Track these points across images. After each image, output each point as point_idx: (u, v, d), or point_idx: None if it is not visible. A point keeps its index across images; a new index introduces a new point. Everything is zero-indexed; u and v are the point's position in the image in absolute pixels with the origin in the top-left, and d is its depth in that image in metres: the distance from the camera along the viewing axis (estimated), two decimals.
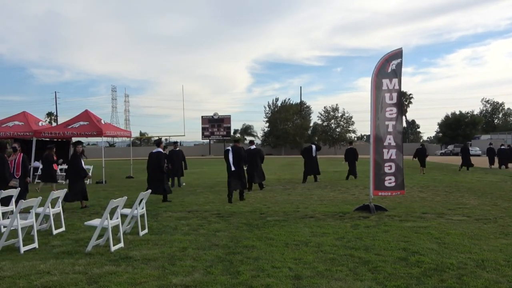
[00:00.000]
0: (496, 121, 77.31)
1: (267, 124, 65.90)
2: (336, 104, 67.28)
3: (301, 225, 7.41)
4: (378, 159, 8.80)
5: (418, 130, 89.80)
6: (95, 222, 6.06)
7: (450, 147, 55.54)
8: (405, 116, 78.83)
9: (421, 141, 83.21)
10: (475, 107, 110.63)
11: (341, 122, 64.19)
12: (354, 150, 17.46)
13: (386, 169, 8.81)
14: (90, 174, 8.84)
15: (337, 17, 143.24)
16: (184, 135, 24.50)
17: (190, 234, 6.76)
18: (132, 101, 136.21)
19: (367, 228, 7.08)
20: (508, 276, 4.45)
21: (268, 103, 74.26)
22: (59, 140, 19.18)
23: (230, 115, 60.58)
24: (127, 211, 6.75)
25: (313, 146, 16.52)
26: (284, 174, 20.05)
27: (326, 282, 4.31)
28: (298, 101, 67.17)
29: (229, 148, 11.11)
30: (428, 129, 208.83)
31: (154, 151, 10.95)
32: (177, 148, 15.10)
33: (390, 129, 8.80)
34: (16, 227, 5.73)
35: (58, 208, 7.33)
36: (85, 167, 10.24)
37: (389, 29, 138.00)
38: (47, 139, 18.18)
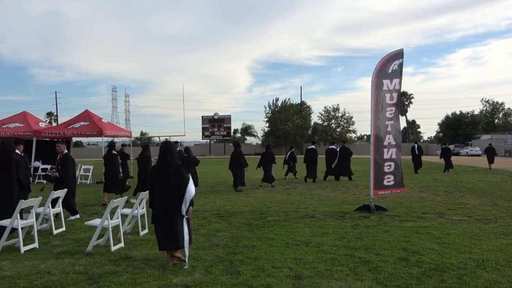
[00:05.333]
0: (496, 121, 77.31)
1: (267, 124, 65.87)
2: (337, 104, 67.45)
3: (302, 225, 7.41)
4: (378, 159, 8.82)
5: (418, 130, 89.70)
6: (96, 222, 6.06)
7: (451, 147, 55.59)
8: (406, 116, 78.82)
9: (421, 140, 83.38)
10: (475, 107, 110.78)
11: (342, 122, 64.17)
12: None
13: (386, 169, 8.85)
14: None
15: (337, 17, 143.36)
16: (184, 135, 24.50)
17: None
18: (133, 101, 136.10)
19: (367, 228, 7.08)
20: (508, 276, 4.45)
21: (269, 103, 74.28)
22: (59, 140, 19.18)
23: (230, 115, 60.53)
24: (127, 211, 6.76)
25: (416, 145, 20.63)
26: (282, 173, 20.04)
27: (326, 282, 4.31)
28: (299, 101, 67.13)
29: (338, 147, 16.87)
30: (428, 129, 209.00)
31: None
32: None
33: (389, 128, 8.84)
34: (16, 227, 5.73)
35: (59, 208, 7.34)
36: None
37: (390, 29, 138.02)
38: (48, 139, 18.19)
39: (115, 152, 11.05)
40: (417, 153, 20.44)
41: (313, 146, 16.92)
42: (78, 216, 8.46)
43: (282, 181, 16.67)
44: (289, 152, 17.78)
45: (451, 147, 54.85)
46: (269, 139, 64.51)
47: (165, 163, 5.01)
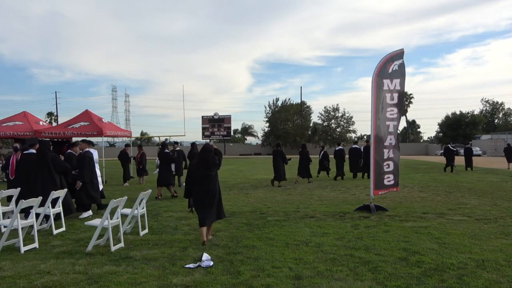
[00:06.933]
0: (496, 121, 77.31)
1: (267, 124, 65.88)
2: (337, 104, 67.59)
3: (302, 225, 7.41)
4: (378, 159, 8.82)
5: (418, 130, 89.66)
6: (96, 222, 6.06)
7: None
8: (406, 116, 78.79)
9: (421, 140, 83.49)
10: (475, 107, 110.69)
11: (342, 122, 64.19)
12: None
13: (385, 168, 8.86)
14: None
15: (337, 17, 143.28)
16: (184, 135, 24.41)
17: (191, 234, 6.77)
18: (133, 101, 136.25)
19: (367, 228, 7.08)
20: (508, 276, 4.45)
21: (269, 103, 74.32)
22: (59, 140, 19.18)
23: (230, 115, 60.50)
24: (127, 211, 6.75)
25: (449, 146, 21.49)
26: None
27: (326, 282, 4.31)
28: (299, 101, 67.16)
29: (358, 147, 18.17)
30: (428, 129, 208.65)
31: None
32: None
33: (391, 129, 8.84)
34: (17, 227, 5.73)
35: (59, 208, 7.34)
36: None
37: (390, 29, 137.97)
38: (48, 139, 18.18)
39: (167, 151, 12.16)
40: (452, 149, 21.12)
41: (341, 147, 18.81)
42: (90, 212, 8.76)
43: (314, 178, 17.36)
44: (322, 152, 18.91)
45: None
46: (269, 139, 64.55)
47: (207, 161, 6.23)
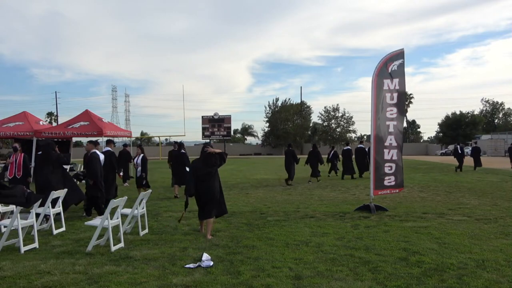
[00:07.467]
0: (496, 121, 77.32)
1: (267, 124, 65.90)
2: (337, 104, 67.67)
3: (302, 225, 7.41)
4: (379, 159, 8.81)
5: (418, 130, 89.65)
6: (96, 222, 6.06)
7: (451, 147, 55.58)
8: (406, 116, 78.70)
9: (421, 140, 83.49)
10: (475, 107, 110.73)
11: (342, 122, 64.24)
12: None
13: (387, 169, 8.84)
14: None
15: (337, 17, 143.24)
16: (184, 135, 24.52)
17: (191, 234, 6.77)
18: (133, 101, 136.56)
19: (367, 228, 7.08)
20: (508, 276, 4.45)
21: (269, 103, 74.30)
22: (60, 140, 19.18)
23: (230, 115, 60.34)
24: (127, 211, 6.75)
25: (458, 146, 21.73)
26: (285, 174, 20.02)
27: (326, 282, 4.31)
28: (299, 101, 67.20)
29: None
30: (429, 129, 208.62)
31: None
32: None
33: (391, 129, 8.82)
34: (16, 227, 5.73)
35: (59, 208, 7.34)
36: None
37: (390, 29, 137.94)
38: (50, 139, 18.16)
39: (183, 151, 12.34)
40: (459, 152, 21.40)
41: (349, 147, 19.18)
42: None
43: (324, 177, 17.76)
44: (332, 151, 19.39)
45: (451, 147, 55.06)
46: (269, 139, 64.58)
47: (209, 159, 6.63)
